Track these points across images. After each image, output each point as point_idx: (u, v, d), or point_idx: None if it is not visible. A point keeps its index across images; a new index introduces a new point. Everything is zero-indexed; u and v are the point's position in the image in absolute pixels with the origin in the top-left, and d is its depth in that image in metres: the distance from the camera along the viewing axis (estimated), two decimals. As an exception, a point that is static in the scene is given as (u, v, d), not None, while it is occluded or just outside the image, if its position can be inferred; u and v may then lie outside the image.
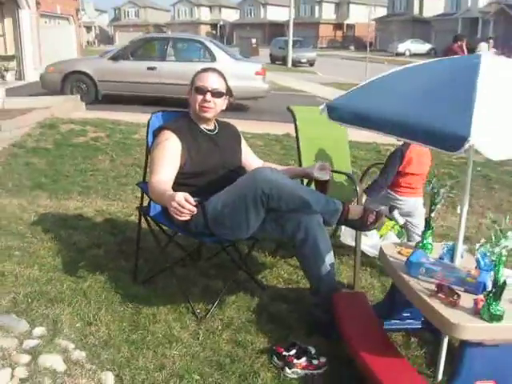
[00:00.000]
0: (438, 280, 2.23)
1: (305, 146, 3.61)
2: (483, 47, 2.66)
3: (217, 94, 2.95)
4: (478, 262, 2.28)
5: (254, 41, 27.49)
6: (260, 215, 2.68)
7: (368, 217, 2.80)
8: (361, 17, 44.81)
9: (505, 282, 1.98)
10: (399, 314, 2.72)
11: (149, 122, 3.04)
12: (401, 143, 3.52)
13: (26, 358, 2.37)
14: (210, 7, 52.62)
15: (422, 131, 1.74)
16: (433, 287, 2.19)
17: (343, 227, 3.79)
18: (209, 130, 3.02)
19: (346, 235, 3.87)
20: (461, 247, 2.36)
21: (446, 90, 1.83)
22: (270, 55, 29.67)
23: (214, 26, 50.62)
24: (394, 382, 2.04)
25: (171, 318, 2.79)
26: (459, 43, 10.03)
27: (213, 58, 10.36)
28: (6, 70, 12.87)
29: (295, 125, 3.59)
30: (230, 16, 52.54)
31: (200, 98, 2.93)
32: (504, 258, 1.99)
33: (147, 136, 3.03)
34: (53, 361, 2.37)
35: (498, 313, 1.98)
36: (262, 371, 2.42)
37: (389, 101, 1.96)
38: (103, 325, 2.68)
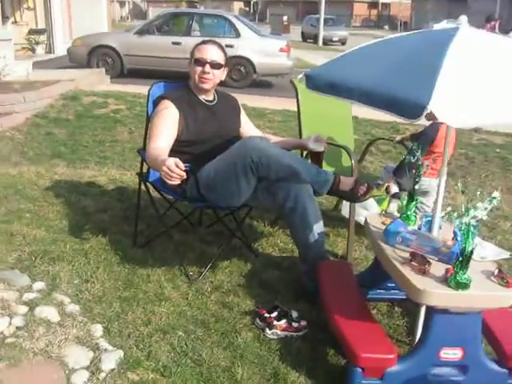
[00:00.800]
0: (413, 249, 2.29)
1: (306, 120, 3.66)
2: (463, 19, 2.59)
3: (216, 66, 3.03)
4: (454, 233, 2.32)
5: (285, 18, 27.22)
6: (251, 183, 2.77)
7: (359, 188, 2.86)
8: (397, -5, 43.78)
9: (472, 252, 2.03)
10: (383, 283, 2.79)
11: (149, 91, 3.15)
12: (428, 123, 3.48)
13: (23, 309, 2.54)
14: (244, -17, 52.25)
15: (386, 99, 1.79)
16: (407, 256, 2.25)
17: (344, 201, 3.85)
18: (207, 101, 3.11)
19: (347, 208, 3.92)
20: (438, 218, 2.40)
21: (416, 60, 1.86)
22: (302, 33, 29.37)
23: (247, 2, 50.31)
24: (362, 346, 2.11)
25: (164, 279, 2.92)
26: (492, 23, 9.83)
27: (237, 34, 10.39)
28: (37, 43, 13.13)
29: (297, 98, 3.64)
30: (265, -8, 52.10)
31: (199, 69, 3.01)
32: (473, 229, 2.03)
33: (147, 105, 3.14)
34: (48, 312, 2.53)
35: (463, 281, 2.04)
36: (243, 331, 2.53)
37: (360, 70, 2.01)
38: (99, 282, 2.83)
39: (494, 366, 2.21)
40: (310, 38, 28.00)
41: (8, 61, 8.22)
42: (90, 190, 4.30)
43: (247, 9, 48.54)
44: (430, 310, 2.15)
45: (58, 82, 7.87)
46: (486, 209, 2.09)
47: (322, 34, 25.81)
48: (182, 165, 2.46)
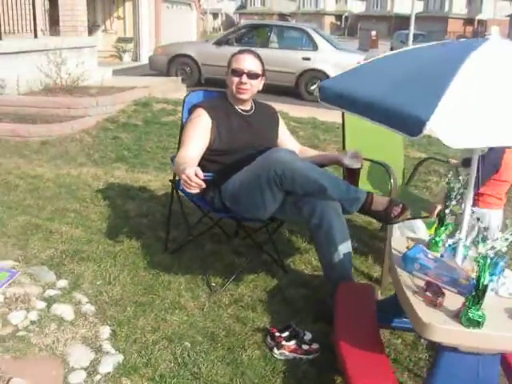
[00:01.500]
0: (431, 278, 2.12)
1: (351, 133, 3.54)
2: (494, 30, 2.32)
3: (253, 76, 2.99)
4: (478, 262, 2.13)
5: (373, 33, 26.84)
6: (276, 196, 2.69)
7: (393, 209, 2.72)
8: (492, 13, 41.88)
9: (486, 286, 1.84)
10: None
11: (185, 98, 3.17)
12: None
13: (41, 305, 2.62)
14: (336, -2, 52.15)
15: (386, 113, 1.66)
16: (423, 285, 2.08)
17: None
18: (244, 111, 3.07)
19: (403, 228, 3.70)
20: (462, 246, 2.21)
21: (426, 74, 1.71)
22: (391, 48, 28.78)
23: (338, 17, 50.15)
24: (360, 377, 1.97)
25: (184, 287, 2.90)
26: None
27: (315, 47, 10.33)
28: (124, 50, 13.76)
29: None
30: (356, 7, 51.65)
31: (236, 79, 2.98)
32: (491, 261, 1.84)
33: (182, 112, 3.15)
34: (63, 310, 2.59)
35: (476, 318, 1.84)
36: (251, 348, 2.45)
37: (369, 82, 1.89)
38: (119, 285, 2.86)
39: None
40: (398, 53, 27.36)
41: (90, 67, 8.66)
42: (139, 195, 4.39)
43: (338, 23, 48.38)
44: (439, 347, 1.97)
45: (133, 89, 8.18)
46: (506, 240, 1.90)
47: (410, 49, 25.11)
48: (201, 174, 2.44)
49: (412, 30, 24.95)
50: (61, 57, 7.67)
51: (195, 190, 2.46)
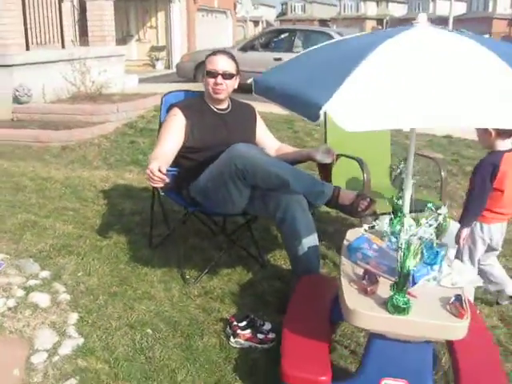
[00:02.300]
0: (371, 267, 2.16)
1: (331, 127, 3.56)
2: (421, 18, 2.23)
3: (228, 76, 3.10)
4: (421, 253, 2.15)
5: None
6: (242, 191, 2.78)
7: (360, 203, 2.77)
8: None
9: (409, 273, 1.88)
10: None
11: (162, 99, 3.31)
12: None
13: (21, 293, 2.79)
14: (377, 2, 51.60)
15: (292, 99, 1.72)
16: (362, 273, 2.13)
17: None
18: (220, 110, 3.18)
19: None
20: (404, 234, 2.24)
21: (339, 62, 1.76)
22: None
23: (379, 20, 49.66)
24: (294, 363, 2.01)
25: (158, 279, 3.03)
26: None
27: (338, 51, 10.34)
28: (157, 59, 14.13)
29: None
30: (398, 11, 51.04)
31: (212, 80, 3.10)
32: (413, 247, 1.88)
33: (160, 112, 3.29)
34: (40, 298, 2.76)
35: (400, 304, 1.87)
36: (209, 336, 2.55)
37: (291, 73, 1.96)
38: (97, 276, 3.01)
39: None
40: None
41: (117, 74, 8.98)
42: (139, 194, 4.56)
43: (379, 27, 47.91)
44: (370, 335, 2.01)
45: (155, 95, 8.40)
46: (431, 226, 1.93)
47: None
48: (164, 169, 2.57)
49: (450, 31, 24.50)
50: (85, 66, 7.99)
51: (158, 184, 2.59)
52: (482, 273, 2.90)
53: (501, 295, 3.00)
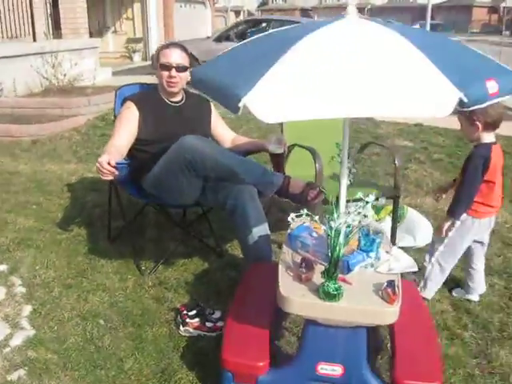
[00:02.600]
0: (310, 255, 2.23)
1: (289, 124, 3.63)
2: (350, 10, 2.26)
3: (181, 69, 3.14)
4: (358, 240, 2.23)
5: (390, 24, 26.59)
6: (192, 182, 2.83)
7: (309, 192, 2.83)
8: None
9: (338, 259, 1.95)
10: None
11: (116, 92, 3.34)
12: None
13: (-24, 286, 2.83)
14: (359, -10, 51.61)
15: (221, 94, 1.76)
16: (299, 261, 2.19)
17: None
18: (174, 102, 3.22)
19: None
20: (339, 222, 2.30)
21: (264, 54, 1.80)
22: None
23: (362, 9, 49.59)
24: (232, 350, 2.07)
25: (114, 271, 3.08)
26: None
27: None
28: (134, 51, 14.06)
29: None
30: (379, 0, 51.14)
31: (166, 73, 3.13)
32: (343, 232, 1.94)
33: (115, 105, 3.33)
34: (-5, 291, 2.80)
35: (331, 291, 1.94)
36: (159, 326, 2.61)
37: (223, 64, 2.00)
38: (54, 269, 3.06)
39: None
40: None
41: (90, 67, 8.95)
42: (105, 187, 4.54)
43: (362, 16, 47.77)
44: (305, 321, 2.08)
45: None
46: (359, 213, 1.99)
47: (428, 40, 24.82)
48: (113, 162, 2.62)
49: (429, 19, 24.66)
50: (56, 59, 7.96)
51: (108, 177, 2.65)
52: (469, 277, 2.96)
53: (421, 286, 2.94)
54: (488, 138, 2.68)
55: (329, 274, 1.96)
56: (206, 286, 2.99)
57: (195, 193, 2.90)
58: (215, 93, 1.86)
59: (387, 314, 1.98)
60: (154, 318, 2.67)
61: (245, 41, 2.22)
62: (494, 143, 2.68)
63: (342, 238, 1.96)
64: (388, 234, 3.55)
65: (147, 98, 3.19)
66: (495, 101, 1.81)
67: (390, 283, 2.02)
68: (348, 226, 1.98)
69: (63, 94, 7.87)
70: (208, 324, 2.57)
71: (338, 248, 1.95)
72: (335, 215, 1.96)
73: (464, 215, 2.74)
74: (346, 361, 2.06)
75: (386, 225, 3.65)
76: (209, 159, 2.75)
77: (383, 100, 1.67)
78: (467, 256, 2.94)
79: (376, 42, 1.88)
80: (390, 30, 1.95)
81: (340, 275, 2.09)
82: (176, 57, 3.13)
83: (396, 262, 2.28)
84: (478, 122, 2.62)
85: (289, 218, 2.01)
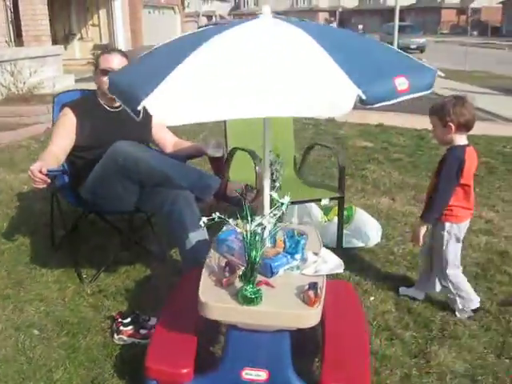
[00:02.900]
0: (234, 258, 2.23)
1: (232, 126, 3.63)
2: (265, 10, 2.28)
3: (121, 76, 3.13)
4: (284, 242, 2.24)
5: (360, 26, 27.14)
6: (127, 187, 2.83)
7: (246, 195, 2.85)
8: (487, 1, 41.59)
9: (254, 263, 1.96)
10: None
11: (54, 99, 3.34)
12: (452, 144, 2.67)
13: None
14: (330, -7, 52.14)
15: (126, 97, 1.77)
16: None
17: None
18: (113, 107, 3.21)
19: (301, 213, 3.77)
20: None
21: (171, 57, 1.80)
22: (380, 40, 28.89)
23: (332, 12, 50.11)
24: (155, 357, 2.06)
25: (54, 280, 3.06)
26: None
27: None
28: (100, 57, 13.93)
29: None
30: (350, 2, 51.66)
31: (106, 79, 3.12)
32: (258, 237, 1.95)
33: (53, 113, 3.32)
34: None
35: (249, 295, 1.94)
36: (94, 334, 2.59)
37: (131, 69, 2.01)
38: (-7, 280, 3.02)
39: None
40: (386, 45, 27.54)
41: (53, 74, 8.86)
42: (56, 195, 4.54)
43: (332, 18, 48.40)
44: (227, 327, 2.08)
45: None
46: (274, 215, 2.01)
47: (396, 41, 25.11)
48: (44, 170, 2.60)
49: (397, 21, 24.96)
50: (15, 67, 7.87)
51: (40, 185, 2.63)
52: (425, 275, 2.94)
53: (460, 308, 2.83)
54: (461, 140, 2.63)
55: (246, 278, 1.98)
56: (146, 293, 2.98)
57: (132, 198, 2.90)
58: (121, 96, 1.86)
59: (307, 317, 1.97)
60: (89, 326, 2.66)
61: (167, 41, 2.21)
62: (468, 145, 2.64)
63: (259, 241, 1.98)
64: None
65: (85, 104, 3.18)
66: (406, 97, 1.82)
67: (313, 285, 2.02)
68: (263, 229, 2.00)
69: (24, 102, 7.79)
70: (142, 331, 2.57)
71: (254, 251, 1.96)
72: (249, 218, 1.98)
73: (448, 224, 2.70)
74: (271, 365, 2.06)
75: (334, 225, 3.67)
76: (143, 164, 2.76)
77: (279, 100, 1.67)
78: (429, 255, 2.91)
79: (280, 42, 1.89)
80: (298, 29, 1.95)
81: (264, 278, 2.12)
82: (117, 62, 3.12)
83: (323, 264, 2.30)
84: (451, 123, 2.57)
85: (200, 223, 2.01)
